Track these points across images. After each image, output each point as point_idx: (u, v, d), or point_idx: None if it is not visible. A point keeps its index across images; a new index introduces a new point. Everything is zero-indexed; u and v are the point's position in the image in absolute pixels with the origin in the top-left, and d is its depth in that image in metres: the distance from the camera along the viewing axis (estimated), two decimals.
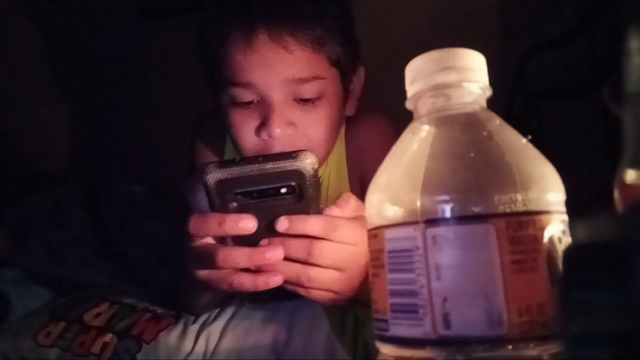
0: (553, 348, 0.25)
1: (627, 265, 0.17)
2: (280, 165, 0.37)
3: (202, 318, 0.57)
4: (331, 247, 0.40)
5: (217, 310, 0.57)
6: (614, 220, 0.19)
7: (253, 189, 0.38)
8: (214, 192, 0.38)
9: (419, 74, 0.31)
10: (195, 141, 0.74)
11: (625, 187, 0.24)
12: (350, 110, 0.66)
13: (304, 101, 0.56)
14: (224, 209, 0.39)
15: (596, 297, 0.18)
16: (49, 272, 0.76)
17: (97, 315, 0.61)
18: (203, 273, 0.42)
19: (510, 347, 0.24)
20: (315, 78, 0.56)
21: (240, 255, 0.39)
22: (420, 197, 0.27)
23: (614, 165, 0.24)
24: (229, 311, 0.56)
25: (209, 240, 0.42)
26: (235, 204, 0.39)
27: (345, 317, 0.52)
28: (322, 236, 0.39)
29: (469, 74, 0.30)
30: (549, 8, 1.04)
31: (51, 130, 1.38)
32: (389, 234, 0.28)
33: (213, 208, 0.39)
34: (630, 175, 0.24)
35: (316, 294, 0.42)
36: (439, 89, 0.30)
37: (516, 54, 1.06)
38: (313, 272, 0.40)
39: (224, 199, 0.38)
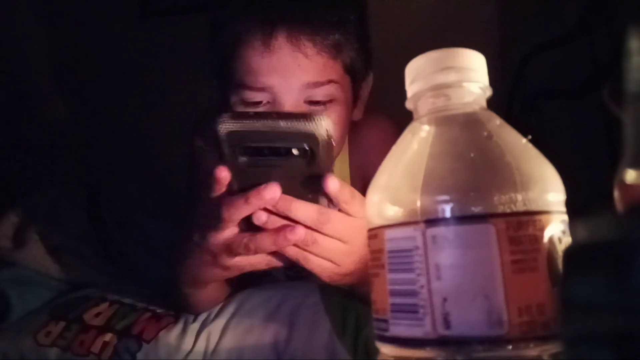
0: (553, 348, 0.25)
1: (627, 265, 0.17)
2: (293, 125, 0.36)
3: (202, 317, 0.57)
4: (339, 218, 0.41)
5: (217, 309, 0.57)
6: (614, 220, 0.19)
7: (264, 145, 0.37)
8: (225, 142, 0.37)
9: (419, 74, 0.31)
10: (194, 140, 0.74)
11: (625, 187, 0.24)
12: (357, 115, 0.66)
13: (314, 103, 0.55)
14: (234, 162, 0.38)
15: (596, 297, 0.18)
16: (49, 272, 0.76)
17: (97, 314, 0.61)
18: (236, 260, 0.43)
19: (510, 347, 0.24)
20: (329, 82, 0.55)
21: (268, 242, 0.40)
22: (420, 197, 0.27)
23: (614, 165, 0.24)
24: (229, 310, 0.56)
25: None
26: (245, 159, 0.38)
27: (346, 317, 0.52)
28: (313, 227, 0.40)
29: (469, 74, 0.30)
30: (549, 8, 1.04)
31: (51, 130, 1.38)
32: (389, 234, 0.28)
33: (223, 159, 0.38)
34: (630, 175, 0.24)
35: (315, 262, 0.42)
36: (439, 89, 0.30)
37: (516, 54, 1.06)
38: (318, 236, 0.41)
39: (234, 152, 0.38)
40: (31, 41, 1.42)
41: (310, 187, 0.39)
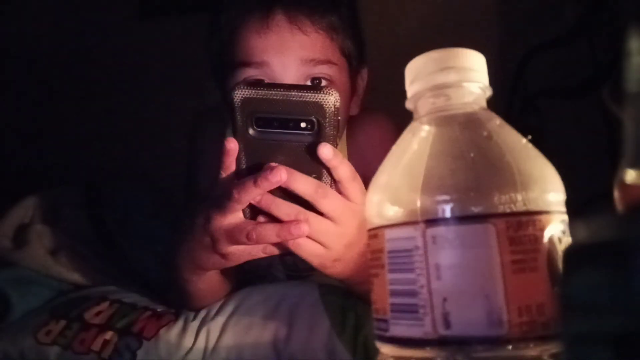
0: (553, 348, 0.25)
1: (627, 265, 0.17)
2: (303, 95, 0.38)
3: (202, 314, 0.57)
4: (335, 196, 0.41)
5: (217, 307, 0.57)
6: (614, 220, 0.19)
7: (274, 116, 0.39)
8: (239, 110, 0.39)
9: (418, 74, 0.31)
10: (194, 139, 0.74)
11: (625, 187, 0.24)
12: (354, 110, 0.67)
13: (314, 84, 0.57)
14: (244, 134, 0.40)
15: (596, 297, 0.18)
16: (49, 272, 0.76)
17: (98, 313, 0.61)
18: (234, 247, 0.44)
19: (510, 347, 0.24)
20: (328, 62, 0.57)
21: (271, 233, 0.41)
22: (420, 197, 0.27)
23: (614, 165, 0.24)
24: (229, 308, 0.56)
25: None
26: (255, 130, 0.40)
27: (346, 316, 0.52)
28: (309, 199, 0.41)
29: (469, 74, 0.30)
30: (549, 8, 1.04)
31: (51, 130, 1.38)
32: (389, 234, 0.28)
33: (235, 130, 0.40)
34: (630, 175, 0.24)
35: (306, 246, 0.42)
36: (439, 89, 0.30)
37: (516, 54, 1.06)
38: (310, 215, 0.41)
39: (246, 121, 0.39)
40: (31, 41, 1.41)
41: (314, 168, 0.41)
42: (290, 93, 0.38)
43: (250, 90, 0.38)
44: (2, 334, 0.63)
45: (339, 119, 0.39)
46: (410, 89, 0.32)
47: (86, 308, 0.63)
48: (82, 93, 1.41)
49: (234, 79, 0.57)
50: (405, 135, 0.32)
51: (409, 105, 0.33)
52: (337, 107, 0.39)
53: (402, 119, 0.35)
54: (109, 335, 0.58)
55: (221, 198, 0.41)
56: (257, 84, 0.39)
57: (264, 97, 0.38)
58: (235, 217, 0.42)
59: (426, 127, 0.31)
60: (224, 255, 0.45)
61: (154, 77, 1.35)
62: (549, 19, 1.04)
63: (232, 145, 0.40)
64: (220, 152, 0.41)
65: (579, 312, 0.18)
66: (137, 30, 1.41)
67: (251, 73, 0.56)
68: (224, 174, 0.42)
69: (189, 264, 0.50)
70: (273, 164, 0.39)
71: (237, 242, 0.43)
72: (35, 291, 0.72)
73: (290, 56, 0.55)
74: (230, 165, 0.41)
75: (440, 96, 0.31)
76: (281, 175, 0.38)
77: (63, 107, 1.41)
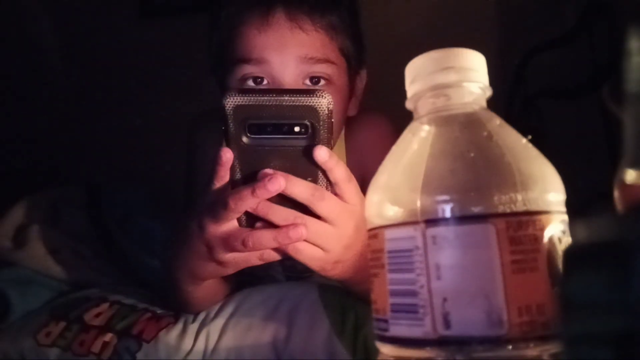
0: (553, 348, 0.25)
1: (627, 265, 0.17)
2: (296, 99, 0.38)
3: (201, 316, 0.57)
4: (332, 198, 0.41)
5: (216, 309, 0.57)
6: (614, 220, 0.19)
7: (267, 121, 0.39)
8: (231, 118, 0.38)
9: (418, 74, 0.31)
10: (193, 139, 0.74)
11: (625, 187, 0.24)
12: (352, 110, 0.67)
13: (313, 82, 0.57)
14: (238, 141, 0.39)
15: (596, 297, 0.18)
16: (49, 272, 0.76)
17: (97, 315, 0.61)
18: (230, 255, 0.43)
19: (510, 347, 0.24)
20: (327, 61, 0.57)
21: (268, 238, 0.40)
22: (420, 197, 0.27)
23: (614, 165, 0.24)
24: (228, 309, 0.56)
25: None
26: (248, 137, 0.39)
27: (345, 316, 0.52)
28: (306, 203, 0.40)
29: (469, 74, 0.30)
30: (549, 8, 1.04)
31: (51, 130, 1.38)
32: (389, 234, 0.28)
33: (228, 138, 0.39)
34: (630, 175, 0.24)
35: (305, 250, 0.42)
36: (439, 89, 0.30)
37: (516, 54, 1.06)
38: (308, 219, 0.41)
39: (238, 129, 0.39)
40: (31, 41, 1.42)
41: (309, 172, 0.40)
42: (282, 98, 0.38)
43: (241, 97, 0.38)
44: (2, 334, 0.63)
45: (332, 121, 0.39)
46: (410, 89, 0.32)
47: (86, 309, 0.63)
48: (82, 93, 1.41)
49: (233, 75, 0.57)
50: (405, 135, 0.32)
51: (409, 105, 0.33)
52: (330, 110, 0.38)
53: (402, 119, 0.35)
54: (108, 337, 0.58)
55: (215, 206, 0.41)
56: (249, 90, 0.39)
57: (256, 103, 0.38)
58: (230, 224, 0.42)
59: (426, 127, 0.31)
60: (220, 263, 0.44)
61: (154, 77, 1.35)
62: (549, 19, 1.04)
63: (229, 156, 0.39)
64: (215, 159, 0.40)
65: (579, 312, 0.18)
66: (137, 30, 1.41)
67: (250, 70, 0.56)
68: (217, 184, 0.41)
69: (186, 274, 0.50)
70: (269, 170, 0.39)
71: (233, 249, 0.42)
72: (35, 291, 0.72)
73: (290, 54, 0.55)
74: (224, 176, 0.41)
75: (440, 96, 0.31)
76: (280, 183, 0.38)
77: (63, 107, 1.41)
